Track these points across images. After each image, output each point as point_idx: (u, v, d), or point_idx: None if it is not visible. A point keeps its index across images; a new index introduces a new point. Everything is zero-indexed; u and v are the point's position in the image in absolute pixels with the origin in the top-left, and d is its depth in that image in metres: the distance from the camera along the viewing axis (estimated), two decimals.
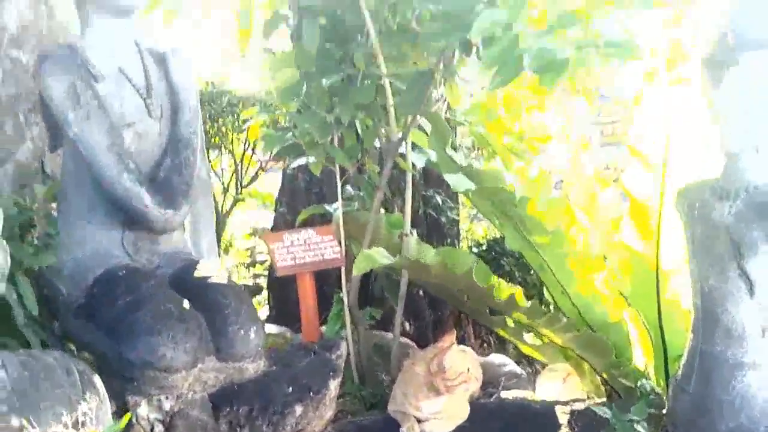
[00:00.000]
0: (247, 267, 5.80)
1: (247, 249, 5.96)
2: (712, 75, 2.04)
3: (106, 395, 1.75)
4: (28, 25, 3.08)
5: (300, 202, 4.08)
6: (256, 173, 5.84)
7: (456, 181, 2.73)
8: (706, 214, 2.07)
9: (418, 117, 2.86)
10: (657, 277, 2.67)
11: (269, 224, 6.19)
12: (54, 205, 2.34)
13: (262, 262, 5.60)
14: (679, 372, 2.24)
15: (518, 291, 2.81)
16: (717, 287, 2.06)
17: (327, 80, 2.80)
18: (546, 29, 2.18)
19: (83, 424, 1.59)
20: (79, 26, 2.75)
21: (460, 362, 2.48)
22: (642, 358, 2.88)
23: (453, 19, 2.40)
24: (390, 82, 2.82)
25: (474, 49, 2.69)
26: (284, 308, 4.00)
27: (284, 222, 4.20)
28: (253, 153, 5.76)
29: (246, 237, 6.19)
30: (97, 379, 1.77)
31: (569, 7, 2.24)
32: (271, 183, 6.28)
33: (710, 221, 2.06)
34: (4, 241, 1.68)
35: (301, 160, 3.11)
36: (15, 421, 1.58)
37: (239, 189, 5.62)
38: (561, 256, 2.72)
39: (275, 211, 4.44)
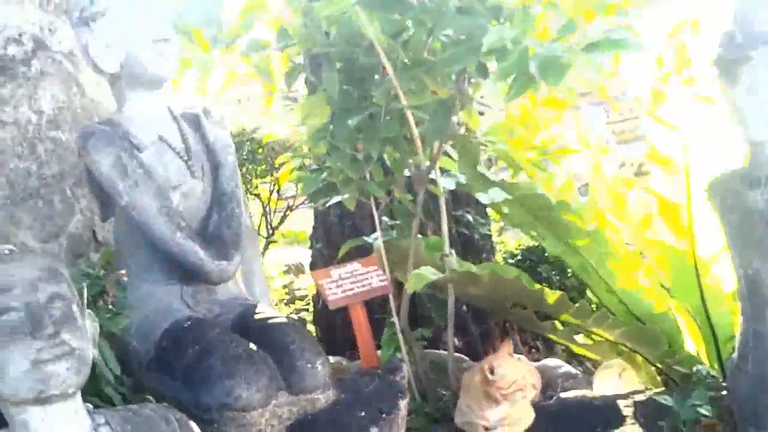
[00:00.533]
0: (287, 304, 5.94)
1: (284, 286, 6.10)
2: (726, 74, 2.16)
3: None
4: (63, 106, 3.25)
5: (335, 237, 4.21)
6: (285, 213, 6.01)
7: (492, 194, 2.85)
8: (740, 203, 2.18)
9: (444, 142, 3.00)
10: (696, 268, 2.78)
11: (301, 260, 6.36)
12: (123, 271, 2.49)
13: (302, 298, 5.73)
14: (735, 354, 2.34)
15: (563, 294, 2.92)
16: (760, 269, 2.17)
17: (352, 120, 2.95)
18: (552, 39, 2.32)
19: None
20: (114, 102, 2.93)
21: (513, 370, 2.58)
22: (692, 345, 2.97)
23: (465, 43, 2.55)
24: (412, 114, 2.96)
25: (489, 72, 2.84)
26: (331, 339, 4.12)
27: (321, 257, 4.33)
28: (279, 195, 5.94)
29: (281, 275, 6.34)
30: (193, 425, 1.89)
31: (571, 12, 2.39)
32: (297, 220, 6.46)
33: (744, 209, 2.18)
34: (91, 311, 1.81)
35: (336, 198, 3.25)
36: None
37: (270, 230, 5.79)
38: (602, 255, 2.84)
39: (311, 247, 4.58)
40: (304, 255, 6.15)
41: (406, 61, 2.92)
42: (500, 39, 2.29)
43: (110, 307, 2.31)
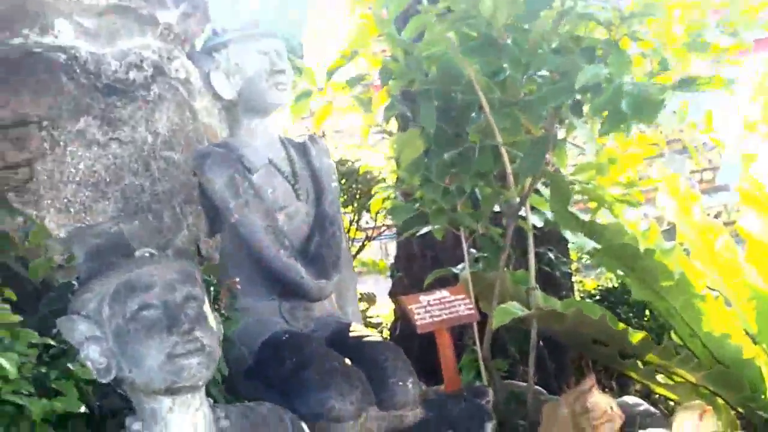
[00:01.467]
0: None
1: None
2: None
3: None
4: (177, 128, 3.48)
5: (416, 267, 4.34)
6: (363, 243, 6.18)
7: (580, 242, 2.94)
8: None
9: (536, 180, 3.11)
10: None
11: (374, 289, 6.48)
12: (237, 279, 2.67)
13: (376, 325, 5.85)
14: None
15: (647, 334, 2.98)
16: None
17: (447, 154, 3.09)
18: (646, 76, 2.42)
19: None
20: (224, 127, 3.16)
21: (603, 402, 2.65)
22: None
23: (560, 82, 2.67)
24: (506, 150, 3.09)
25: (583, 111, 2.95)
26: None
27: (402, 286, 4.45)
28: (358, 226, 6.11)
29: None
30: (304, 426, 2.03)
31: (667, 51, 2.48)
32: (371, 252, 6.60)
33: None
34: (216, 314, 1.98)
35: (426, 228, 3.39)
36: None
37: None
38: (687, 299, 2.89)
39: (392, 276, 4.72)
40: (374, 286, 6.30)
41: (501, 99, 3.06)
42: (595, 75, 2.40)
43: (222, 312, 2.48)
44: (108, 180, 3.24)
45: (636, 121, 2.34)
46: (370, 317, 6.15)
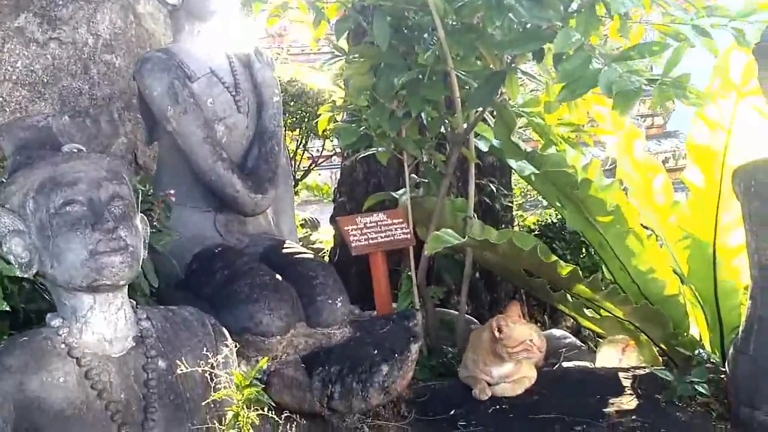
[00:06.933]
0: None
1: (301, 239, 6.22)
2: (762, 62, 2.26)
3: (233, 346, 2.00)
4: (119, 32, 3.35)
5: (359, 192, 4.31)
6: (309, 167, 6.13)
7: (521, 166, 2.95)
8: (762, 191, 2.28)
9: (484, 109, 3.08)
10: (714, 258, 2.89)
11: (320, 217, 6.47)
12: (172, 191, 2.61)
13: (317, 251, 5.85)
14: (739, 337, 2.44)
15: (576, 267, 3.03)
16: None
17: (398, 79, 3.03)
18: (620, 54, 2.40)
19: (225, 365, 1.84)
20: (171, 32, 3.05)
21: (521, 331, 2.69)
22: (697, 331, 3.08)
23: (529, 30, 2.63)
24: (457, 77, 3.05)
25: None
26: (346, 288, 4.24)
27: (344, 210, 4.42)
28: (305, 150, 6.05)
29: (298, 229, 6.45)
30: (225, 332, 2.02)
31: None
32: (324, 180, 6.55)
33: (765, 197, 2.27)
34: (143, 215, 1.93)
35: (371, 150, 3.35)
36: (162, 363, 1.84)
37: (293, 183, 5.90)
38: (620, 234, 2.94)
39: (334, 201, 4.68)
40: (319, 214, 6.27)
41: (456, 26, 3.00)
42: (567, 44, 2.36)
43: (155, 224, 2.43)
44: (46, 81, 3.14)
45: (618, 110, 2.32)
46: (312, 243, 6.15)
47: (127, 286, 1.85)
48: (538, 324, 3.96)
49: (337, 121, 3.47)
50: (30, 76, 3.12)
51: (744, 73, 2.81)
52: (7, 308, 2.01)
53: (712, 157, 2.91)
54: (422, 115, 3.18)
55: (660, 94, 2.28)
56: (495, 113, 3.21)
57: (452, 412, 2.64)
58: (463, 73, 3.07)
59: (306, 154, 6.06)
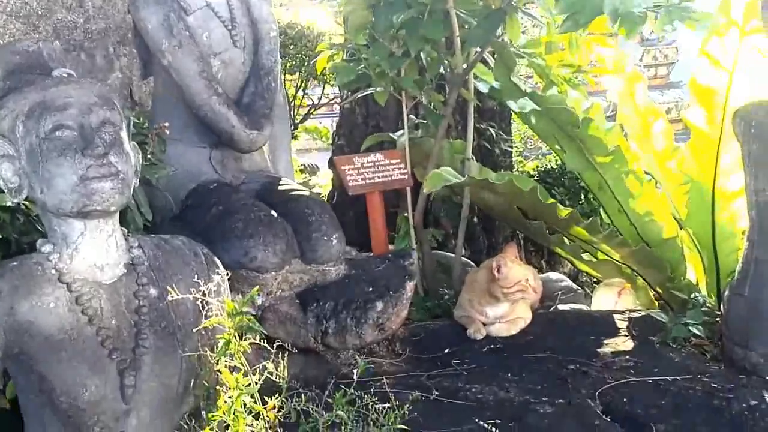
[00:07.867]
0: None
1: (300, 184, 6.21)
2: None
3: (225, 275, 1.98)
4: None
5: (358, 135, 4.27)
6: (309, 111, 6.09)
7: (521, 103, 2.91)
8: (762, 132, 2.25)
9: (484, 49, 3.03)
10: (713, 202, 2.87)
11: (317, 161, 6.45)
12: (167, 123, 2.58)
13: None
14: (734, 279, 2.43)
15: (574, 210, 3.01)
16: None
17: (397, 16, 2.97)
18: None
19: (216, 293, 1.82)
20: None
21: (518, 273, 2.69)
22: (693, 275, 3.08)
23: None
24: (457, 15, 2.99)
25: None
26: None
27: (343, 153, 4.39)
28: (305, 94, 6.00)
29: (297, 174, 6.44)
30: (218, 261, 2.00)
31: None
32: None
33: (765, 138, 2.24)
34: (135, 143, 1.90)
35: (362, 92, 3.31)
36: (153, 291, 1.82)
37: (293, 126, 5.87)
38: (619, 175, 2.91)
39: (333, 144, 4.65)
40: (319, 159, 6.25)
41: None
42: None
43: (149, 157, 2.40)
44: (40, 13, 3.07)
45: (621, 34, 2.28)
46: (313, 187, 6.14)
47: (118, 214, 1.83)
48: (536, 269, 3.96)
49: (333, 61, 3.42)
50: (24, 8, 3.05)
51: (746, 11, 2.76)
52: None
53: (714, 97, 2.87)
54: (421, 54, 3.14)
55: (667, 15, 2.23)
56: (495, 54, 3.15)
57: (446, 351, 2.66)
58: (463, 11, 3.01)
59: (306, 100, 6.02)
